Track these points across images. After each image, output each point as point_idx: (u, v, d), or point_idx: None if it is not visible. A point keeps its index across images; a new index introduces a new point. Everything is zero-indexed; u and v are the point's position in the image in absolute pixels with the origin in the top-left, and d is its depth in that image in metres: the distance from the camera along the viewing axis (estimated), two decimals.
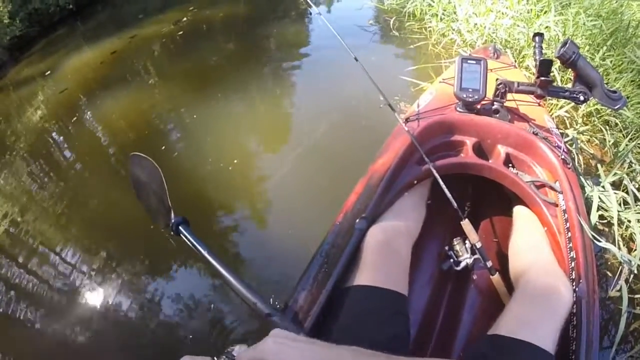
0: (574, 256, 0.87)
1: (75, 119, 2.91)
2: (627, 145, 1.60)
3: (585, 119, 1.84)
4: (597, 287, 0.85)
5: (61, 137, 2.84)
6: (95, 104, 3.01)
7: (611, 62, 1.96)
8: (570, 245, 0.90)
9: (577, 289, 0.80)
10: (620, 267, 1.29)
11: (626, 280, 1.24)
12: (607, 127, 1.75)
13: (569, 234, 0.91)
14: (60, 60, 3.92)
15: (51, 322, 1.65)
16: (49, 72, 3.72)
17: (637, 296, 1.24)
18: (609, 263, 1.35)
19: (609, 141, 1.68)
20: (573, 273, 0.85)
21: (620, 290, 1.21)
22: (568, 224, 0.93)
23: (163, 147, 2.42)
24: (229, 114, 2.59)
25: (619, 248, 1.30)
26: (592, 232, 1.03)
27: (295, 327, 0.71)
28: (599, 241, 1.16)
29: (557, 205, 1.00)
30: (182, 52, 3.57)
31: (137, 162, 1.05)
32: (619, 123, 1.76)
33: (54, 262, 1.90)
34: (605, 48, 1.98)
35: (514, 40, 2.26)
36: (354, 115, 2.20)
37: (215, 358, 0.63)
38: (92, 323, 1.58)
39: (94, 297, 1.67)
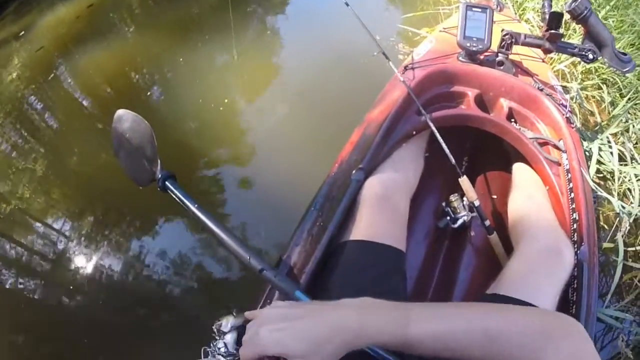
0: (577, 218, 0.85)
1: (52, 76, 2.77)
2: (625, 105, 1.60)
3: (584, 75, 1.81)
4: (597, 250, 0.84)
5: (39, 98, 2.71)
6: (74, 59, 2.86)
7: (613, 22, 1.91)
8: (573, 206, 0.87)
9: (578, 252, 0.79)
10: (617, 219, 1.30)
11: (621, 233, 1.26)
12: (605, 86, 1.73)
13: (572, 195, 0.89)
14: (34, 19, 3.69)
15: (40, 288, 1.62)
16: (22, 33, 3.50)
17: (629, 249, 1.26)
18: (604, 215, 1.37)
19: (607, 99, 1.67)
20: (575, 235, 0.83)
21: (614, 242, 1.23)
22: (571, 184, 0.90)
23: (148, 93, 2.35)
24: (215, 61, 2.49)
25: None
26: (595, 186, 1.01)
27: (291, 282, 0.68)
28: (600, 192, 1.17)
29: (560, 165, 0.97)
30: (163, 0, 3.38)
31: (122, 118, 0.99)
32: (619, 82, 1.73)
33: (38, 228, 1.85)
34: (608, 7, 1.93)
35: None
36: (349, 63, 2.11)
37: (209, 349, 0.61)
38: (81, 285, 1.56)
39: (81, 259, 1.63)
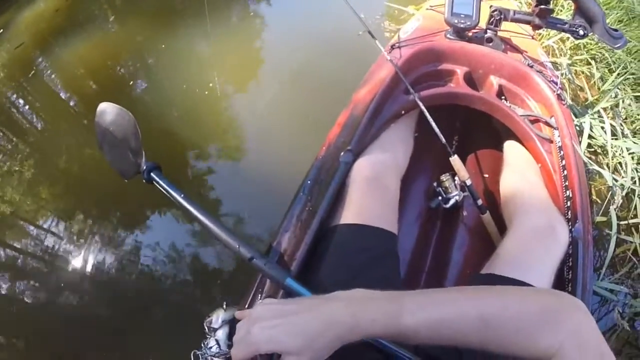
0: (570, 195, 0.84)
1: (33, 73, 2.71)
2: (614, 80, 1.60)
3: (572, 51, 1.81)
4: (591, 227, 0.83)
5: (21, 96, 2.65)
6: (55, 54, 2.80)
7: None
8: (566, 183, 0.87)
9: (573, 229, 0.78)
10: (610, 193, 1.30)
11: (614, 207, 1.27)
12: (594, 61, 1.73)
13: (565, 172, 0.88)
14: (12, 16, 3.58)
15: (31, 286, 1.61)
16: (1, 31, 3.42)
17: (622, 222, 1.27)
18: (596, 189, 1.38)
19: (596, 75, 1.68)
20: (569, 213, 0.83)
21: (607, 215, 1.24)
22: (564, 161, 0.89)
23: (132, 83, 2.33)
24: (198, 45, 2.45)
25: None
26: (587, 160, 1.01)
27: (281, 270, 0.67)
28: (591, 165, 1.20)
29: (552, 142, 0.96)
30: None
31: (104, 112, 0.97)
32: (608, 57, 1.72)
33: (28, 228, 1.82)
34: None
35: None
36: (334, 43, 2.08)
37: (199, 351, 0.60)
38: (71, 282, 1.54)
39: (71, 256, 1.61)
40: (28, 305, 1.55)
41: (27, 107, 2.58)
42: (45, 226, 1.81)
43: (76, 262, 1.59)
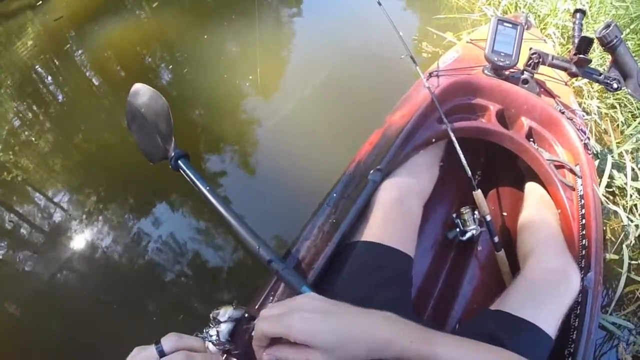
0: (586, 244, 0.85)
1: (68, 47, 2.74)
2: (637, 126, 1.64)
3: (599, 93, 1.84)
4: (602, 279, 0.84)
5: (51, 69, 2.68)
6: (92, 32, 2.83)
7: (631, 44, 1.93)
8: (583, 232, 0.87)
9: (585, 278, 0.79)
10: (624, 233, 1.32)
11: (627, 246, 1.28)
12: (619, 106, 1.77)
13: (583, 221, 0.89)
14: None
15: (36, 263, 1.60)
16: (40, 2, 3.48)
17: (633, 262, 1.27)
18: (611, 228, 1.39)
19: (619, 119, 1.72)
20: (583, 261, 0.83)
21: (619, 254, 1.26)
22: (584, 210, 0.90)
23: (170, 67, 2.38)
24: (238, 41, 2.49)
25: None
26: (604, 198, 1.00)
27: (299, 277, 0.67)
28: (608, 204, 1.22)
29: (574, 189, 0.96)
30: None
31: (138, 92, 0.98)
32: (634, 102, 1.76)
33: (38, 200, 1.84)
34: (628, 30, 1.95)
35: (538, 6, 2.20)
36: (373, 63, 2.13)
37: (200, 335, 0.60)
38: (78, 264, 1.54)
39: (82, 236, 1.61)
40: (26, 276, 1.54)
41: (54, 81, 2.61)
42: (53, 198, 1.82)
43: (78, 239, 1.60)
